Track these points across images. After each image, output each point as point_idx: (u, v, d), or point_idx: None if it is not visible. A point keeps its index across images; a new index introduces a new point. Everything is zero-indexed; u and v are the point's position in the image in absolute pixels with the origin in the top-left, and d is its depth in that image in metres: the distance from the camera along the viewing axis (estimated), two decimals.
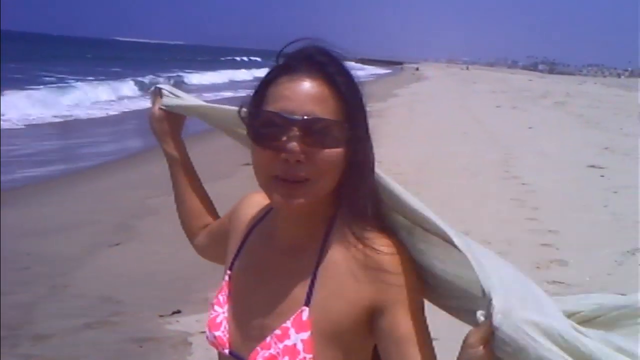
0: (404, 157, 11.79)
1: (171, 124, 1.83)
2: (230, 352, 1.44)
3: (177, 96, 1.82)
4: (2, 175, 10.04)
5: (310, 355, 1.30)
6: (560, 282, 5.73)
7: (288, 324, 1.33)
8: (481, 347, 1.13)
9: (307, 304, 1.33)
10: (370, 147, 1.37)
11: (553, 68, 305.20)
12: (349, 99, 1.33)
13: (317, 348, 1.31)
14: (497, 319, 1.12)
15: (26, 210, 8.29)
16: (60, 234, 7.28)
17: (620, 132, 18.22)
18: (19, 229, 7.39)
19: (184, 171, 1.85)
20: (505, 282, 1.19)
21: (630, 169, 11.37)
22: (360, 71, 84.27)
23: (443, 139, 15.73)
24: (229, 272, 1.52)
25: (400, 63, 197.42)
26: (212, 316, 1.49)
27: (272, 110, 1.29)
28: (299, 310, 1.33)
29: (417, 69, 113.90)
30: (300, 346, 1.30)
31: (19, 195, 9.08)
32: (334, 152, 1.29)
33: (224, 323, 1.47)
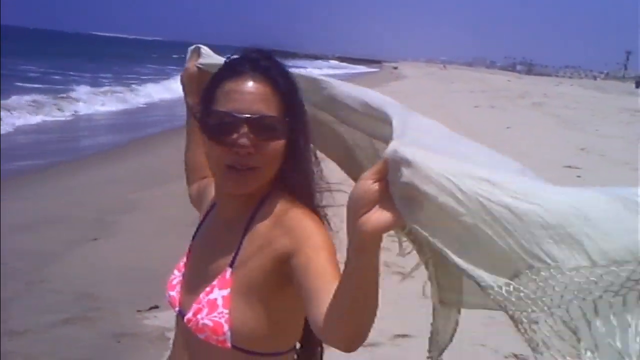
0: None
1: (199, 82, 1.96)
2: (179, 311, 1.65)
3: (213, 57, 1.98)
4: None
5: (227, 310, 1.49)
6: None
7: (215, 282, 1.54)
8: (371, 181, 1.07)
9: (231, 265, 1.54)
10: (308, 135, 1.58)
11: (531, 69, 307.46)
12: (289, 96, 1.54)
13: (234, 304, 1.50)
14: (390, 147, 1.06)
15: (2, 205, 8.21)
16: (38, 229, 7.21)
17: (597, 133, 18.44)
18: None
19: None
20: (421, 136, 1.15)
21: (605, 170, 11.51)
22: (338, 70, 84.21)
23: None
24: (191, 242, 1.76)
25: (379, 62, 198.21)
26: (171, 278, 1.73)
27: (223, 110, 1.49)
28: (224, 271, 1.54)
29: (396, 67, 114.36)
30: (220, 301, 1.51)
31: None
32: (278, 144, 1.51)
33: (178, 285, 1.69)
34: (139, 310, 5.12)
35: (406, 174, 1.01)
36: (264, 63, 1.54)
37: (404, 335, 4.59)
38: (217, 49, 2.03)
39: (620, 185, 1.02)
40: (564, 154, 13.79)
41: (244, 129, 1.46)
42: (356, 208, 1.06)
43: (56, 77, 32.90)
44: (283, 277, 1.46)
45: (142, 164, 11.81)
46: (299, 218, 1.51)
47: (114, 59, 58.63)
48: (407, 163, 1.01)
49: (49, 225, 7.38)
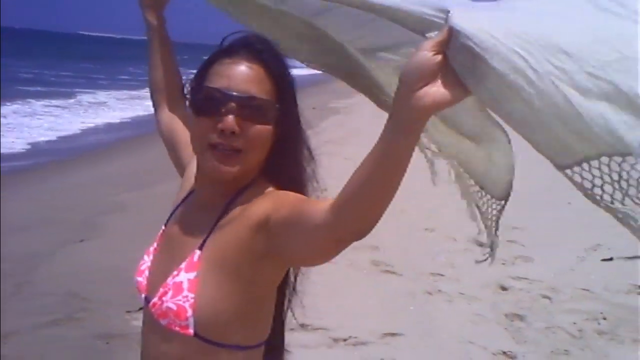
0: None
1: None
2: (145, 297, 1.60)
3: None
4: None
5: (192, 295, 1.43)
6: (525, 278, 5.82)
7: (182, 265, 1.48)
8: (432, 52, 1.01)
9: (200, 247, 1.48)
10: (299, 127, 1.55)
11: None
12: (282, 83, 1.50)
13: (201, 288, 1.43)
14: (454, 19, 0.99)
15: None
16: (24, 231, 7.17)
17: None
18: None
19: (159, 40, 1.99)
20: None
21: None
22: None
23: None
24: (163, 227, 1.69)
25: None
26: (140, 263, 1.65)
27: (212, 86, 1.46)
28: (193, 253, 1.48)
29: None
30: (185, 284, 1.44)
31: None
32: (265, 128, 1.46)
33: (146, 271, 1.63)
34: (128, 311, 5.10)
35: (474, 46, 0.95)
36: (259, 46, 1.51)
37: (393, 334, 4.60)
38: (204, 49, 2.02)
39: None
40: None
41: (231, 106, 1.42)
42: (412, 81, 1.01)
43: (81, 80, 32.61)
44: (262, 245, 1.39)
45: (128, 165, 11.76)
46: (277, 190, 1.49)
47: (125, 61, 57.92)
48: (474, 35, 0.96)
49: (36, 227, 7.34)
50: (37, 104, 21.83)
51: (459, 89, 1.01)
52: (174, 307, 1.43)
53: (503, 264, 6.13)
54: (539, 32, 0.96)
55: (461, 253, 6.31)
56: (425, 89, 1.00)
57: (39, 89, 26.88)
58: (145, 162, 11.51)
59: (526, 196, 9.14)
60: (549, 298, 5.41)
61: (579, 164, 0.99)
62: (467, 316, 4.98)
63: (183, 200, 1.69)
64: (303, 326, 4.38)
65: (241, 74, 1.46)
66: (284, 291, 1.67)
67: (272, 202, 1.42)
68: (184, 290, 1.44)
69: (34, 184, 9.71)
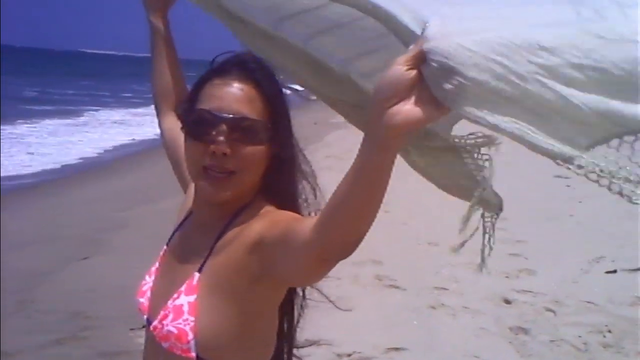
0: None
1: (161, 1, 1.94)
2: (147, 319, 1.57)
3: None
4: None
5: (192, 318, 1.42)
6: (529, 291, 5.81)
7: (182, 288, 1.46)
8: (405, 67, 0.96)
9: (199, 270, 1.47)
10: (294, 146, 1.54)
11: None
12: (274, 102, 1.49)
13: (201, 310, 1.42)
14: (430, 32, 0.95)
15: None
16: (27, 248, 7.17)
17: None
18: None
19: (163, 45, 1.94)
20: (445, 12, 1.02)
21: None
22: None
23: None
24: (165, 247, 1.68)
25: None
26: (141, 284, 1.64)
27: (203, 108, 1.45)
28: (192, 276, 1.47)
29: None
30: (186, 307, 1.43)
31: None
32: (257, 149, 1.44)
33: (148, 292, 1.61)
34: (131, 329, 5.08)
35: (447, 61, 0.92)
36: (251, 65, 1.49)
37: (397, 349, 4.58)
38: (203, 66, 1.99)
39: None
40: (553, 163, 13.74)
41: (222, 128, 1.41)
42: (385, 97, 0.97)
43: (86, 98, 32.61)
44: (257, 266, 1.38)
45: (131, 181, 11.78)
46: (272, 210, 1.48)
47: (127, 78, 57.99)
48: (447, 52, 0.92)
49: (39, 245, 7.35)
50: (45, 123, 22.00)
51: (433, 106, 0.96)
52: (175, 331, 1.43)
53: (507, 277, 6.12)
54: (516, 32, 0.93)
55: (465, 267, 6.30)
56: (398, 106, 0.96)
57: (46, 107, 27.05)
58: (149, 178, 11.53)
59: (528, 209, 9.17)
60: (553, 311, 5.39)
61: (588, 150, 0.96)
62: (471, 330, 4.97)
63: (183, 221, 1.68)
64: (306, 341, 4.38)
65: (232, 95, 1.44)
66: (291, 309, 1.65)
67: (266, 222, 1.41)
68: (184, 313, 1.43)
69: (37, 200, 9.72)
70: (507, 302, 5.60)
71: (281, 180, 1.53)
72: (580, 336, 4.92)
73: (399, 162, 1.17)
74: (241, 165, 1.43)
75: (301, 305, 1.67)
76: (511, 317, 5.29)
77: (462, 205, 1.85)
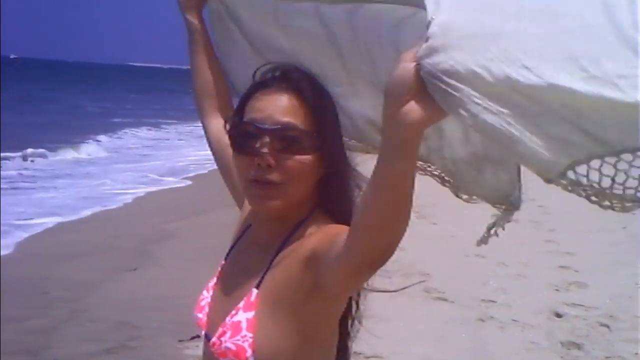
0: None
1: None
2: (205, 334, 1.56)
3: None
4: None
5: (251, 334, 1.40)
6: (580, 305, 5.68)
7: (240, 304, 1.45)
8: (412, 63, 0.95)
9: (257, 286, 1.45)
10: (344, 158, 1.51)
11: None
12: (319, 111, 1.46)
13: (259, 327, 1.41)
14: (433, 28, 0.93)
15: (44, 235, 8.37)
16: (79, 259, 7.32)
17: None
18: (39, 254, 7.45)
19: (201, 42, 1.90)
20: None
21: None
22: None
23: None
24: (222, 262, 1.66)
25: None
26: (200, 299, 1.63)
27: (247, 120, 1.46)
28: (250, 292, 1.45)
29: None
30: (244, 324, 1.42)
31: None
32: (303, 159, 1.42)
33: (206, 307, 1.60)
34: (180, 340, 5.13)
35: (443, 62, 0.91)
36: (294, 75, 1.49)
37: None
38: None
39: None
40: None
41: (265, 139, 1.40)
42: (397, 95, 0.95)
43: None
44: (311, 281, 1.37)
45: (179, 193, 11.94)
46: (328, 225, 1.45)
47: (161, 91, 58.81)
48: (441, 67, 0.91)
49: (90, 256, 7.49)
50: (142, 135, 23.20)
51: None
52: (234, 347, 1.42)
53: (556, 290, 6.00)
54: (508, 49, 0.92)
55: (513, 279, 6.21)
56: (411, 103, 0.94)
57: (129, 120, 28.06)
58: (197, 190, 11.68)
59: (576, 220, 8.99)
60: (607, 326, 5.26)
61: (564, 175, 0.94)
62: (521, 344, 4.88)
63: (241, 235, 1.67)
64: (356, 354, 4.36)
65: (274, 106, 1.44)
66: (347, 324, 1.62)
67: (320, 237, 1.39)
68: (243, 329, 1.42)
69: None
70: (558, 315, 5.49)
71: (335, 193, 1.50)
72: (637, 353, 4.78)
73: None
74: (287, 176, 1.42)
75: (357, 319, 1.64)
76: (563, 331, 5.18)
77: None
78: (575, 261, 6.86)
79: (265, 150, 1.40)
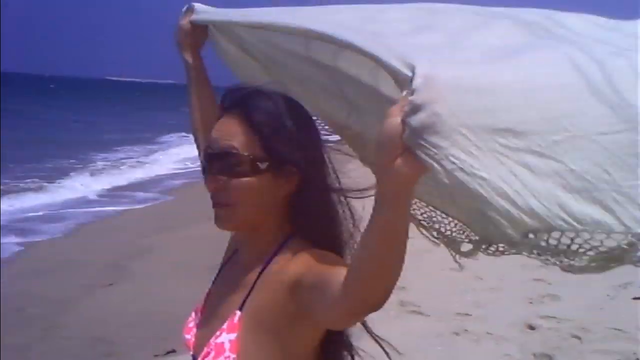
0: None
1: (193, 38, 1.93)
2: (192, 355, 1.58)
3: (208, 12, 1.91)
4: None
5: (234, 355, 1.42)
6: (553, 317, 5.75)
7: (224, 326, 1.46)
8: (399, 118, 0.97)
9: (240, 308, 1.47)
10: (317, 177, 1.48)
11: None
12: (267, 133, 1.44)
13: (242, 348, 1.43)
14: (417, 81, 0.95)
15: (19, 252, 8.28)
16: (54, 275, 7.25)
17: None
18: (15, 270, 7.37)
19: (197, 81, 1.94)
20: (426, 47, 1.05)
21: None
22: None
23: None
24: (211, 284, 1.68)
25: None
26: (188, 321, 1.65)
27: (201, 149, 1.55)
28: (233, 314, 1.47)
29: None
30: (227, 345, 1.43)
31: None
32: (244, 182, 1.43)
33: (194, 328, 1.62)
34: (155, 355, 5.12)
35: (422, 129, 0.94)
36: (252, 98, 1.47)
37: None
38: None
39: None
40: None
41: (210, 165, 1.45)
42: (388, 150, 0.98)
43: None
44: (294, 306, 1.39)
45: (153, 209, 11.88)
46: (311, 250, 1.44)
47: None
48: (424, 122, 0.93)
49: (65, 271, 7.42)
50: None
51: None
52: None
53: (530, 302, 6.07)
54: (488, 107, 0.96)
55: (488, 292, 6.26)
56: (400, 158, 0.98)
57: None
58: (172, 204, 11.63)
59: None
60: (578, 338, 5.33)
61: (526, 236, 0.99)
62: (495, 356, 4.92)
63: (229, 259, 1.70)
64: None
65: (221, 130, 1.47)
66: (333, 349, 1.62)
67: (303, 264, 1.40)
68: (226, 350, 1.44)
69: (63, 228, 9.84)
70: (531, 328, 5.54)
71: (304, 214, 1.49)
72: None
73: None
74: (234, 199, 1.44)
75: (347, 342, 1.67)
76: (536, 343, 5.23)
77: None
78: (548, 274, 6.93)
79: (207, 176, 1.45)
